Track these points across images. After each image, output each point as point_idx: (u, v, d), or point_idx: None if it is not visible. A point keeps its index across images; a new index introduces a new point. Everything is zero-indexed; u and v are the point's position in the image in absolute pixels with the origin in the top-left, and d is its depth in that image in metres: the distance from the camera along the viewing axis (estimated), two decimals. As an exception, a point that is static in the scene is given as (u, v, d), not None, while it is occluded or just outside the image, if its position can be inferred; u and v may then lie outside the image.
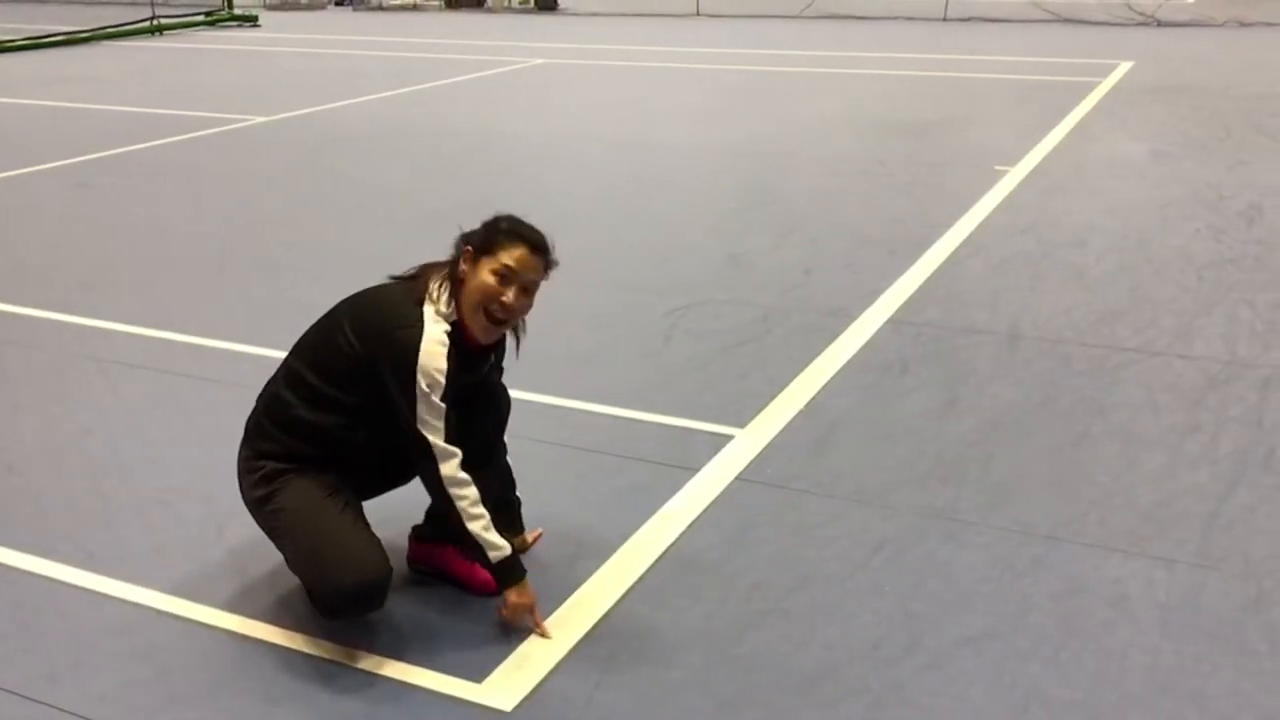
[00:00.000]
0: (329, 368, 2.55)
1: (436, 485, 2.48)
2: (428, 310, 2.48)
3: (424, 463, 2.47)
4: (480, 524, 2.48)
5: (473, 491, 2.48)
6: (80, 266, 5.41)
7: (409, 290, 2.54)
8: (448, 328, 2.48)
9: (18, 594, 2.78)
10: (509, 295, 2.50)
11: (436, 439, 2.44)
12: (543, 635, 2.56)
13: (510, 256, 2.49)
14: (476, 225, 2.58)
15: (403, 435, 2.46)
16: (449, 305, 2.50)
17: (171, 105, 9.87)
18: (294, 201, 6.66)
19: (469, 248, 2.53)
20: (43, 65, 12.68)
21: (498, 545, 2.50)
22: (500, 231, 2.53)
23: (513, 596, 2.54)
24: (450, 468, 2.46)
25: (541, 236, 2.56)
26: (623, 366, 4.15)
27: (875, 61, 12.26)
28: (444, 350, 2.44)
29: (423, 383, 2.41)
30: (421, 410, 2.42)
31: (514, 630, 2.57)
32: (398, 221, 6.07)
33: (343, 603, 2.51)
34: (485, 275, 2.49)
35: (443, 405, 2.43)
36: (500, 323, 2.54)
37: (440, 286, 2.52)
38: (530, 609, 2.56)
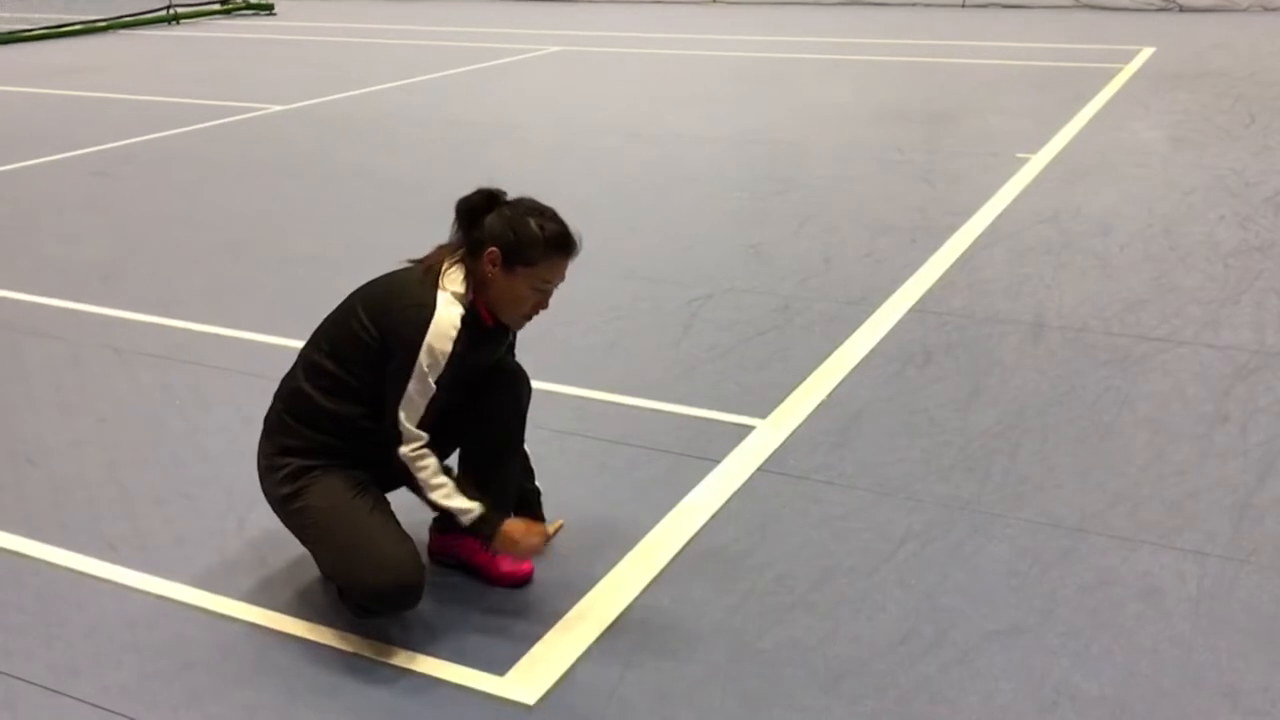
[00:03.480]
0: (347, 356, 2.53)
1: (400, 461, 2.48)
2: (442, 294, 2.45)
3: (395, 444, 2.47)
4: (441, 493, 2.48)
5: (433, 462, 2.48)
6: (99, 256, 5.41)
7: (423, 273, 2.51)
8: (462, 310, 2.45)
9: (39, 585, 2.77)
10: (548, 302, 2.54)
11: (410, 424, 2.44)
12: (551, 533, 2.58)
13: (554, 273, 2.49)
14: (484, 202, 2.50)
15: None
16: (464, 285, 2.47)
17: (188, 94, 9.87)
18: (310, 191, 6.65)
19: (495, 250, 2.45)
20: (60, 55, 12.71)
21: (465, 508, 2.49)
22: (537, 244, 2.44)
23: (504, 539, 2.50)
24: (411, 448, 2.46)
25: (573, 236, 2.51)
26: (643, 357, 4.12)
27: (893, 48, 12.16)
28: (454, 335, 2.41)
29: (424, 361, 2.40)
30: (412, 387, 2.41)
31: (536, 622, 2.56)
32: (413, 211, 6.04)
33: (379, 604, 2.50)
34: (523, 289, 2.48)
35: (434, 388, 2.42)
36: (532, 317, 2.58)
37: (456, 267, 2.49)
38: (533, 531, 2.52)
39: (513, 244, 2.45)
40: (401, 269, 2.59)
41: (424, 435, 2.46)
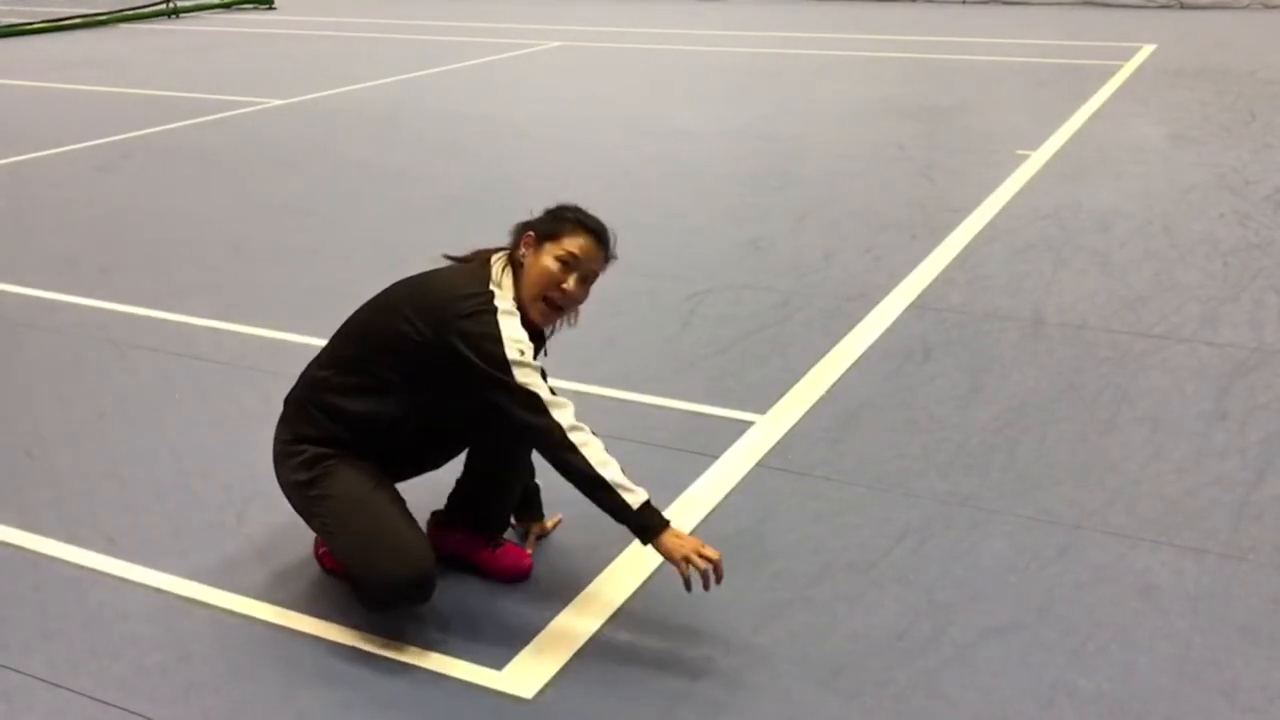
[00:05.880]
0: (390, 355, 2.52)
1: (559, 437, 2.38)
2: (495, 289, 2.50)
3: (539, 419, 2.38)
4: (613, 470, 2.39)
5: (596, 438, 2.43)
6: (99, 250, 5.41)
7: (473, 273, 2.54)
8: (512, 307, 2.50)
9: (38, 578, 2.77)
10: (570, 282, 2.53)
11: (544, 393, 2.40)
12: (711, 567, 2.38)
13: (574, 244, 2.53)
14: (536, 213, 2.61)
15: (497, 412, 2.43)
16: (509, 289, 2.53)
17: (188, 88, 9.86)
18: (309, 185, 6.64)
19: (530, 233, 2.55)
20: (60, 48, 12.69)
21: (634, 488, 2.38)
22: (566, 220, 2.56)
23: (671, 540, 2.37)
24: (567, 416, 2.39)
25: (605, 228, 2.60)
26: (642, 352, 4.12)
27: (893, 44, 12.16)
28: (519, 319, 2.46)
29: (513, 352, 2.40)
30: (519, 375, 2.38)
31: (534, 617, 2.56)
32: (413, 206, 6.04)
33: (395, 595, 2.50)
34: (548, 260, 2.52)
35: (538, 365, 2.44)
36: (559, 309, 2.57)
37: (502, 271, 2.54)
38: (697, 548, 2.38)
39: (545, 222, 2.57)
40: (448, 269, 2.61)
41: (568, 401, 2.42)
